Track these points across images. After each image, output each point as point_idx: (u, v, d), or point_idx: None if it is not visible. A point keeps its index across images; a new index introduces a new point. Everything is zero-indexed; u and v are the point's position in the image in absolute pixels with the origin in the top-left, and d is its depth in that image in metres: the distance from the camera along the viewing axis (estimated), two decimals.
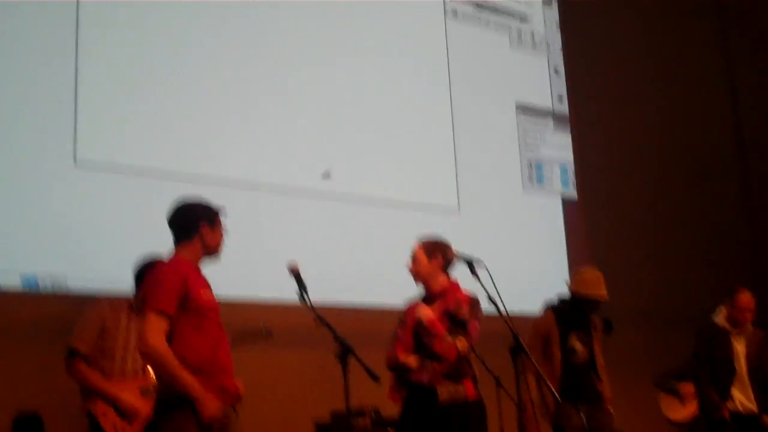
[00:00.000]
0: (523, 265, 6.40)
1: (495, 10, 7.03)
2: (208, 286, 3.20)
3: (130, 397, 3.68)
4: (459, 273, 3.88)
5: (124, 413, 3.67)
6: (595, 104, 7.60)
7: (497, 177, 6.70)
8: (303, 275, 3.34)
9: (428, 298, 3.82)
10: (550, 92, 7.25)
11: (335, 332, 3.19)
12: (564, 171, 7.11)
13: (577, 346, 4.65)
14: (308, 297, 3.30)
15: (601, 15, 7.83)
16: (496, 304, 3.58)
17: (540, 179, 6.95)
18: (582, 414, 4.49)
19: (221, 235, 3.25)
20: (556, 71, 7.33)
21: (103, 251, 4.65)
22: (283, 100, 5.69)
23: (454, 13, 6.75)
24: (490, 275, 3.62)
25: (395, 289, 4.09)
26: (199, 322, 3.07)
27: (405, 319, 3.79)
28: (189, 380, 2.95)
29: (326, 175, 5.69)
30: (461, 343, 3.65)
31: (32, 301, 4.51)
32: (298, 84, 5.77)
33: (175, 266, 3.13)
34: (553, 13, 7.45)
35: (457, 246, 3.92)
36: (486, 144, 6.69)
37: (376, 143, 6.07)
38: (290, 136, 5.64)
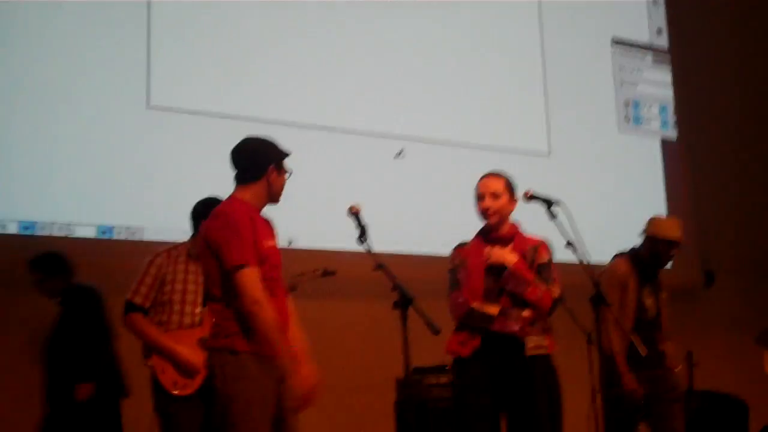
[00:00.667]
0: (618, 212, 6.02)
1: None
2: (272, 234, 2.95)
3: (188, 351, 3.48)
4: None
5: (183, 368, 3.51)
6: (699, 37, 7.04)
7: (590, 117, 6.30)
8: (364, 217, 3.04)
9: (495, 240, 3.47)
10: (647, 25, 6.75)
11: (395, 279, 2.90)
12: (663, 110, 6.65)
13: (648, 301, 4.32)
14: (368, 240, 3.00)
15: None
16: (576, 249, 3.28)
17: (637, 119, 6.51)
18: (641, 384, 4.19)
19: (284, 181, 2.97)
20: (655, 1, 6.81)
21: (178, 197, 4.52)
22: (363, 42, 5.43)
23: None
24: (569, 218, 3.31)
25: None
26: (264, 274, 2.83)
27: (464, 262, 3.46)
28: (287, 349, 2.78)
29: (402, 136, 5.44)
30: (557, 290, 3.37)
31: (108, 249, 4.42)
32: (382, 27, 5.50)
33: (246, 212, 2.86)
34: None
35: (548, 191, 3.60)
36: (578, 82, 6.29)
37: (461, 85, 5.76)
38: (368, 79, 5.39)
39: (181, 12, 4.85)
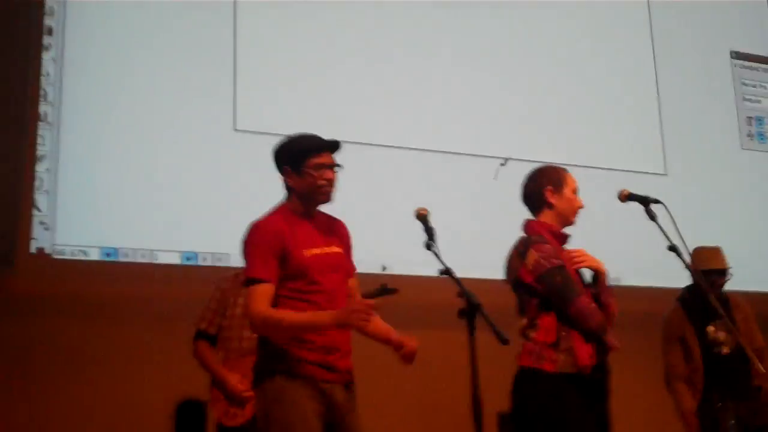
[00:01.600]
0: (743, 238, 5.49)
1: None
2: (320, 241, 2.68)
3: (237, 378, 3.28)
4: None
5: (230, 397, 3.28)
6: None
7: (710, 135, 5.82)
8: (431, 221, 2.72)
9: (565, 243, 3.11)
10: None
11: (462, 285, 2.57)
12: None
13: (720, 335, 3.90)
14: (435, 245, 2.65)
15: None
16: (679, 254, 2.93)
17: (761, 136, 5.97)
18: (735, 416, 3.74)
19: (314, 178, 2.66)
20: None
21: None
22: (459, 58, 5.16)
23: None
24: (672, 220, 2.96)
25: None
26: (302, 287, 2.60)
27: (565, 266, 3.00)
28: (310, 317, 2.53)
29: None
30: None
31: (191, 275, 4.23)
32: (492, 40, 5.24)
33: (272, 223, 2.63)
34: None
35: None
36: (696, 98, 5.83)
37: (567, 102, 5.40)
38: (466, 98, 5.11)
39: (267, 34, 4.70)
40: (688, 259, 2.96)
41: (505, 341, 2.51)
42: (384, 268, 4.49)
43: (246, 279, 2.57)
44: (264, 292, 2.53)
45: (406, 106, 4.93)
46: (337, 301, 2.62)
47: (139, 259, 4.17)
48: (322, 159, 2.69)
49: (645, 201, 3.05)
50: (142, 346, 4.11)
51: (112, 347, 4.12)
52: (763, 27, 6.24)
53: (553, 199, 3.05)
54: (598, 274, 2.98)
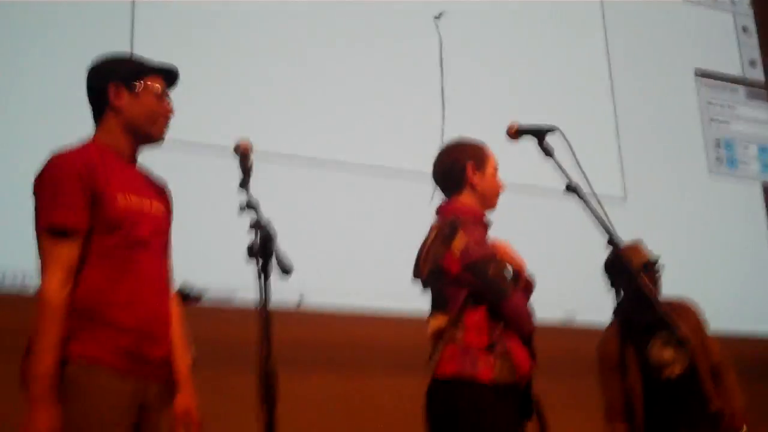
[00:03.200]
0: (714, 269, 4.99)
1: None
2: (141, 188, 2.10)
3: None
4: None
5: None
6: None
7: (673, 159, 5.32)
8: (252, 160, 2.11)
9: (486, 229, 2.61)
10: (739, 56, 5.80)
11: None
12: (764, 151, 5.62)
13: (666, 354, 3.24)
14: (248, 187, 2.07)
15: None
16: (580, 194, 2.34)
17: (731, 161, 5.49)
18: None
19: (154, 103, 2.11)
20: (745, 30, 5.87)
21: None
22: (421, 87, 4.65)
23: None
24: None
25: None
26: (117, 242, 2.00)
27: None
28: (45, 348, 1.87)
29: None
30: None
31: None
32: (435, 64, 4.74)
33: (74, 155, 2.02)
34: None
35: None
36: (657, 119, 5.35)
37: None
38: (406, 116, 4.59)
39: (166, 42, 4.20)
40: (590, 201, 2.33)
41: None
42: (300, 299, 3.95)
43: (42, 227, 1.96)
44: (66, 253, 1.93)
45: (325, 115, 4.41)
46: (158, 276, 2.06)
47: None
48: (160, 85, 2.13)
49: (539, 132, 2.46)
50: None
51: None
52: (730, 46, 5.81)
53: (475, 178, 2.55)
54: (519, 276, 2.47)
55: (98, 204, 1.98)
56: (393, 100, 4.56)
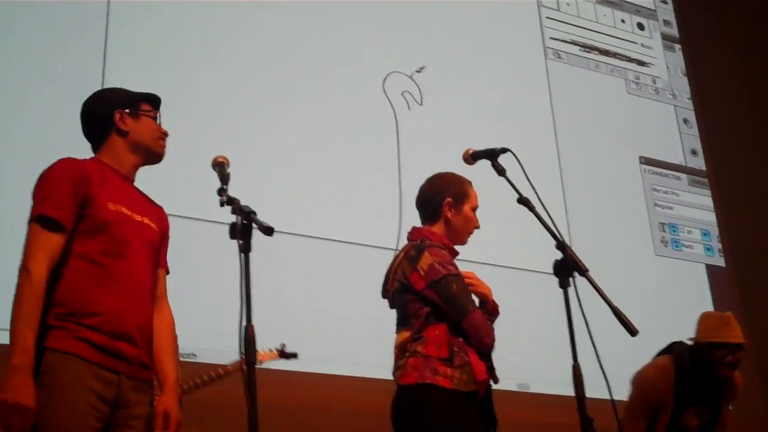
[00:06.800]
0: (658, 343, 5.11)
1: (606, 52, 6.06)
2: (127, 202, 2.25)
3: None
4: None
5: None
6: (740, 160, 6.34)
7: (620, 240, 5.51)
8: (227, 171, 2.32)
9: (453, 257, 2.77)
10: (681, 146, 6.11)
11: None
12: (706, 235, 5.85)
13: (693, 422, 3.39)
14: (227, 195, 2.25)
15: (734, 56, 6.69)
16: (531, 208, 2.57)
17: (676, 243, 5.71)
18: None
19: (154, 126, 2.34)
20: (686, 122, 6.20)
21: None
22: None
23: (557, 54, 5.82)
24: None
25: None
26: (100, 246, 2.15)
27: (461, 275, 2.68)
28: (21, 330, 1.98)
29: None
30: None
31: None
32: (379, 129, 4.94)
33: (72, 161, 2.22)
34: (677, 58, 6.41)
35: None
36: (603, 203, 5.56)
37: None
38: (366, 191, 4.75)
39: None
40: (541, 212, 2.55)
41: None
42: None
43: (32, 217, 2.12)
44: (51, 241, 2.08)
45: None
46: (139, 282, 2.18)
47: None
48: (155, 111, 2.37)
49: (491, 154, 2.68)
50: None
51: None
52: (671, 136, 6.12)
53: (449, 214, 2.72)
54: (486, 302, 2.65)
55: (88, 207, 2.15)
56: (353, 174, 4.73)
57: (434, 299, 2.54)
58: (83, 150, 2.38)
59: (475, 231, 2.81)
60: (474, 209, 2.78)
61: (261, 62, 4.74)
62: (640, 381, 3.47)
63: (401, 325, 2.62)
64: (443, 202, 2.73)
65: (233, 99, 4.58)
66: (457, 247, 2.78)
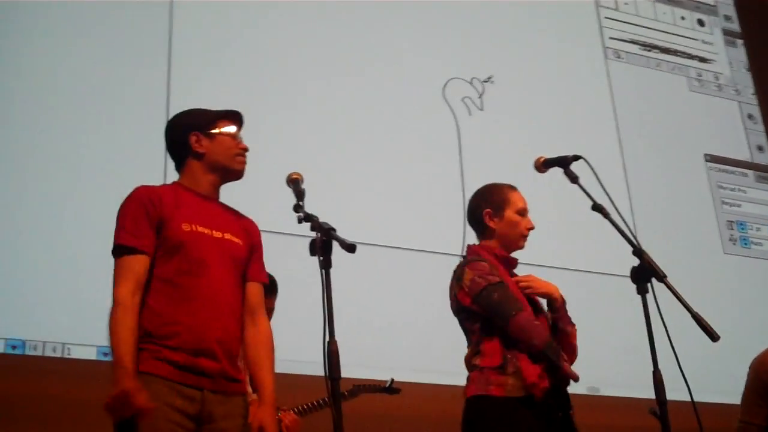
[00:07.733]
0: (734, 351, 5.03)
1: (667, 50, 6.00)
2: (208, 221, 2.28)
3: None
4: None
5: None
6: None
7: (688, 240, 5.46)
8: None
9: (513, 268, 2.83)
10: (746, 142, 6.02)
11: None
12: None
13: None
14: (304, 210, 2.29)
15: None
16: (606, 215, 2.56)
17: (745, 241, 5.63)
18: None
19: (232, 143, 2.36)
20: (751, 117, 6.11)
21: None
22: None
23: (617, 54, 5.78)
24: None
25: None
26: (176, 266, 2.19)
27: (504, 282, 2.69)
28: (120, 353, 2.05)
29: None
30: None
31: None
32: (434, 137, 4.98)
33: (145, 188, 2.28)
34: (739, 53, 6.32)
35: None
36: (668, 201, 5.52)
37: (545, 206, 5.06)
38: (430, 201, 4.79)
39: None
40: (616, 218, 2.56)
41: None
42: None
43: (113, 248, 2.19)
44: (131, 266, 2.13)
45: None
46: (219, 297, 2.20)
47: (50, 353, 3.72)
48: (233, 128, 2.39)
49: (564, 162, 2.71)
50: None
51: None
52: (736, 132, 6.03)
53: (491, 223, 2.74)
54: (553, 301, 2.67)
55: (163, 230, 2.20)
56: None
57: (481, 312, 2.59)
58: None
59: (538, 232, 2.80)
60: (520, 212, 2.79)
61: (326, 74, 4.81)
62: (753, 367, 3.36)
63: (467, 341, 2.71)
64: (483, 213, 2.77)
65: (301, 112, 4.66)
66: (524, 252, 2.80)
